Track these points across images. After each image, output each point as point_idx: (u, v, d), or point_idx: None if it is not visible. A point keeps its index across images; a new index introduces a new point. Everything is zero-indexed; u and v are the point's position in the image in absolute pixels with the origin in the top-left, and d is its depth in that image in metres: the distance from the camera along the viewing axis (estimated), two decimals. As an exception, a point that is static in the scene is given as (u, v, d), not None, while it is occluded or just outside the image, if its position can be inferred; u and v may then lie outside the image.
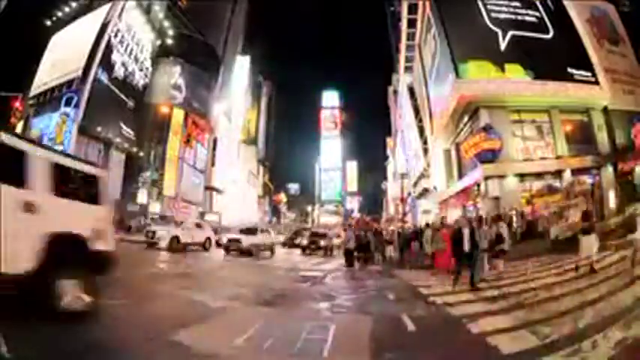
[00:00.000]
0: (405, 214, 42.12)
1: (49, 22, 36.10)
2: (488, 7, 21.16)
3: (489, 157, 18.43)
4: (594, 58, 19.81)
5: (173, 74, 43.42)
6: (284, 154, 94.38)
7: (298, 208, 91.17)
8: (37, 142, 5.01)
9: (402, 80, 40.78)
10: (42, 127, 31.84)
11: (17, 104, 32.86)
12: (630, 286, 6.30)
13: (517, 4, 21.49)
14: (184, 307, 5.84)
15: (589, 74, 19.49)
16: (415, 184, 38.33)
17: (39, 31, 34.46)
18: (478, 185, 19.68)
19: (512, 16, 21.14)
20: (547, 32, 20.60)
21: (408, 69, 38.84)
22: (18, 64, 30.88)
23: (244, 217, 48.89)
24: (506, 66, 19.68)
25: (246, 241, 16.27)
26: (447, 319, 5.67)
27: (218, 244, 18.95)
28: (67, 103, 30.96)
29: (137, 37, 38.02)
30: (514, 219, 16.16)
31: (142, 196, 36.37)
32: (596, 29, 20.77)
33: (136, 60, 38.17)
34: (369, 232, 16.60)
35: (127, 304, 5.48)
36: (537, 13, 21.16)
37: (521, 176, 18.61)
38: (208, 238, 17.98)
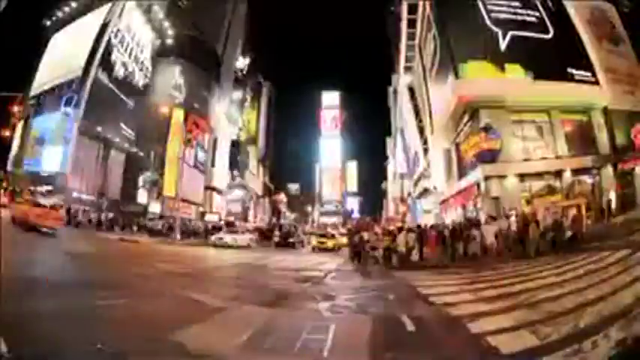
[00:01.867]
0: (404, 214, 42.06)
1: (49, 22, 36.08)
2: (489, 7, 21.15)
3: (489, 157, 18.42)
4: (594, 58, 19.80)
5: (173, 74, 43.40)
6: (284, 154, 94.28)
7: (298, 208, 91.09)
8: None
9: (402, 80, 40.77)
10: (42, 127, 31.84)
11: (17, 104, 32.82)
12: (630, 286, 6.29)
13: (517, 4, 21.46)
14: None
15: (589, 74, 19.48)
16: (415, 184, 38.31)
17: (39, 31, 34.44)
18: (478, 185, 19.67)
19: (512, 16, 21.12)
20: (547, 32, 20.58)
21: (408, 69, 38.81)
22: (18, 64, 30.86)
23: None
24: (506, 66, 19.67)
25: None
26: (447, 318, 5.67)
27: None
28: (67, 103, 30.94)
29: (137, 37, 37.99)
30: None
31: (142, 196, 36.37)
32: (596, 29, 20.75)
33: (136, 60, 38.15)
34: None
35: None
36: (537, 13, 21.14)
37: (521, 176, 18.60)
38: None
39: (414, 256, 13.94)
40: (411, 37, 35.14)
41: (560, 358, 3.69)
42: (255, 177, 71.22)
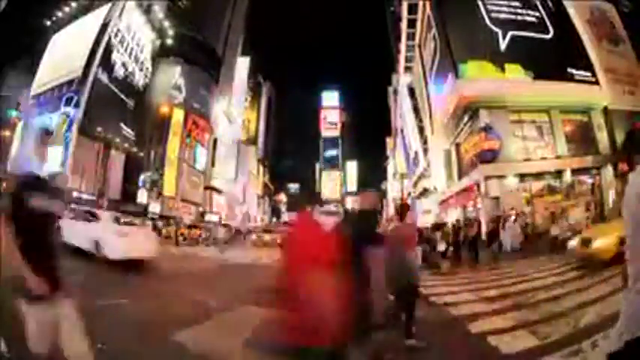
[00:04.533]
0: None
1: (49, 22, 36.12)
2: (488, 7, 21.16)
3: (489, 157, 18.42)
4: (594, 58, 19.81)
5: (173, 74, 43.45)
6: (284, 154, 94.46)
7: (298, 208, 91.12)
8: None
9: (402, 80, 40.80)
10: (42, 127, 31.84)
11: (17, 104, 32.86)
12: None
13: (517, 4, 21.48)
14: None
15: (589, 74, 19.49)
16: (415, 184, 38.32)
17: (39, 31, 34.49)
18: (478, 185, 19.68)
19: (512, 16, 21.14)
20: (547, 32, 20.60)
21: (408, 69, 38.86)
22: (18, 65, 30.91)
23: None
24: (506, 66, 19.67)
25: None
26: (447, 318, 5.67)
27: None
28: (67, 103, 30.98)
29: (137, 37, 38.04)
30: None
31: (142, 196, 36.39)
32: (596, 29, 20.76)
33: (136, 60, 38.19)
34: None
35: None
36: (537, 13, 21.16)
37: (521, 176, 18.61)
38: None
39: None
40: (411, 37, 35.18)
41: (560, 358, 3.69)
42: (255, 177, 71.27)
